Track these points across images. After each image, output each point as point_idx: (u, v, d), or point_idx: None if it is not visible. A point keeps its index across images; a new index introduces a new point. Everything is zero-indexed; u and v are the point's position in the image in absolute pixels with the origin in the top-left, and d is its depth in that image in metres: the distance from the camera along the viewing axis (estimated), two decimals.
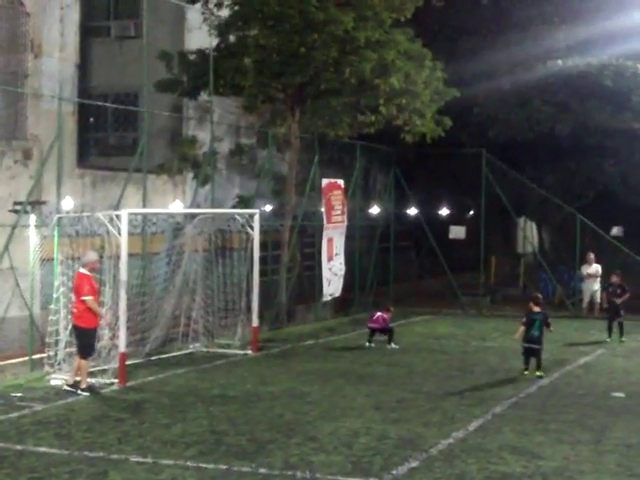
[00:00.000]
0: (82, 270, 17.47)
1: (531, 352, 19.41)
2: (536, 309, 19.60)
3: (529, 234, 39.48)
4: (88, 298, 17.06)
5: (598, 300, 31.25)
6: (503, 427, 14.63)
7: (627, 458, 12.91)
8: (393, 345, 23.73)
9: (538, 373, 19.27)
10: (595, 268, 31.37)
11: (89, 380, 17.33)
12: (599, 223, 32.98)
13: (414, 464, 12.36)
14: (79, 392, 16.80)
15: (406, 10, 26.90)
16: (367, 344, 23.69)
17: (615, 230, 39.53)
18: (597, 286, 31.35)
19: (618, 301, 25.54)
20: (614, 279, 26.09)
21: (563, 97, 33.43)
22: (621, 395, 17.60)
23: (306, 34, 24.86)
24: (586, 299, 31.79)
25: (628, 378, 19.68)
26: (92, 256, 17.73)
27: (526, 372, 19.34)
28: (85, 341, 17.23)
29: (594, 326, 28.59)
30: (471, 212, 39.70)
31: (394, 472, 11.97)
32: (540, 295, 20.62)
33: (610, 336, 25.37)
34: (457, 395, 17.31)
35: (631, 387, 18.49)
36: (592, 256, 31.47)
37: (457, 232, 36.04)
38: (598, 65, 32.23)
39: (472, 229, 35.97)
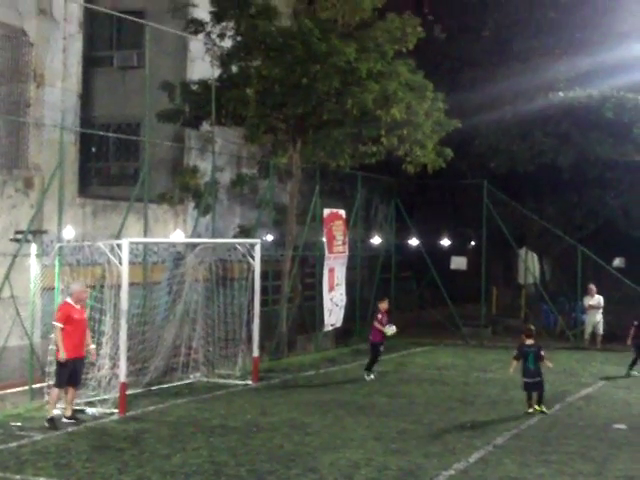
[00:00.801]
0: (67, 299, 17.48)
1: (531, 387, 18.80)
2: (529, 342, 18.93)
3: (530, 265, 39.42)
4: (57, 324, 16.98)
5: (600, 332, 31.28)
6: (504, 458, 14.57)
7: None
8: (368, 375, 23.43)
9: (538, 408, 18.67)
10: (597, 299, 31.38)
11: (73, 410, 17.27)
12: (601, 254, 32.98)
13: None
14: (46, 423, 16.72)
15: (408, 42, 27.01)
16: (365, 374, 23.48)
17: (617, 261, 39.51)
18: (599, 317, 31.37)
19: None
20: None
21: (564, 129, 33.50)
22: (623, 427, 17.51)
23: (308, 65, 24.97)
24: (588, 330, 31.74)
25: (630, 410, 19.59)
26: (76, 287, 17.65)
27: (530, 410, 18.61)
28: (57, 369, 17.17)
29: (595, 358, 28.60)
30: (472, 243, 39.70)
31: None
32: (532, 327, 19.78)
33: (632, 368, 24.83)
34: (458, 426, 17.25)
35: (633, 419, 18.40)
36: (594, 287, 31.48)
37: (458, 263, 36.07)
38: (599, 97, 32.27)
39: (473, 260, 36.00)
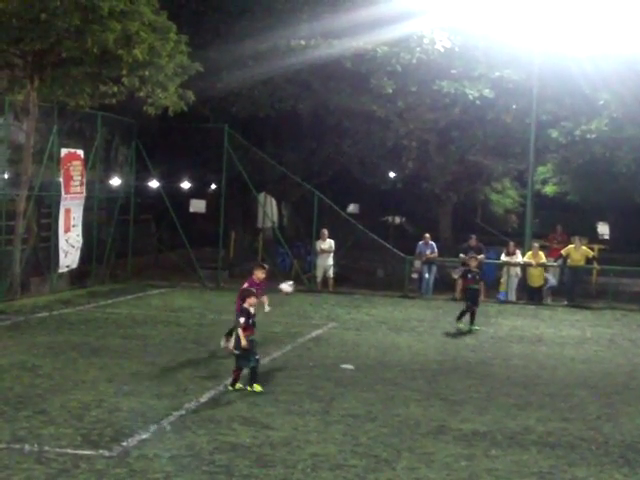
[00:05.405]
0: None
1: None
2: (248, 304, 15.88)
3: (269, 209, 40.11)
4: None
5: (331, 275, 32.31)
6: (235, 398, 14.93)
7: (352, 428, 13.41)
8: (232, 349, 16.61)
9: (249, 388, 15.66)
10: (329, 243, 32.43)
11: None
12: (337, 201, 33.94)
13: (145, 436, 12.46)
14: None
15: None
16: None
17: (351, 207, 40.89)
18: (331, 261, 32.41)
19: (477, 287, 24.29)
20: (473, 263, 24.76)
21: (305, 77, 33.93)
22: (350, 367, 18.19)
23: (47, 0, 24.28)
24: (319, 274, 32.69)
25: (357, 351, 20.35)
26: None
27: (234, 386, 15.75)
28: None
29: (327, 300, 29.52)
30: (213, 186, 39.94)
31: (124, 444, 12.02)
32: (253, 290, 16.42)
33: (473, 323, 24.13)
34: (191, 367, 17.47)
35: (360, 359, 19.14)
36: (325, 232, 32.45)
37: (197, 206, 36.30)
38: (339, 47, 32.81)
39: (213, 203, 36.24)
